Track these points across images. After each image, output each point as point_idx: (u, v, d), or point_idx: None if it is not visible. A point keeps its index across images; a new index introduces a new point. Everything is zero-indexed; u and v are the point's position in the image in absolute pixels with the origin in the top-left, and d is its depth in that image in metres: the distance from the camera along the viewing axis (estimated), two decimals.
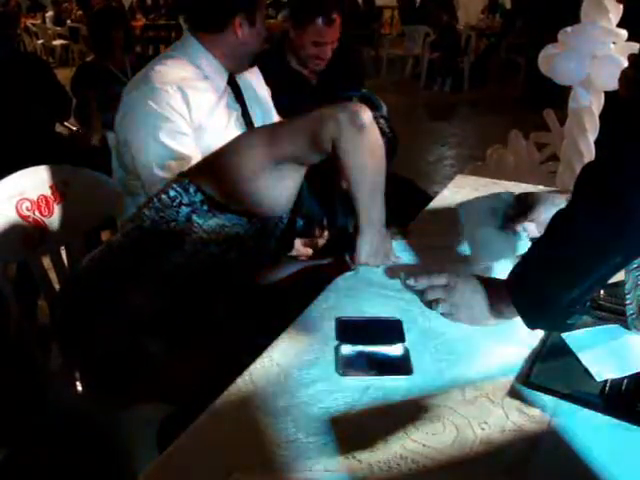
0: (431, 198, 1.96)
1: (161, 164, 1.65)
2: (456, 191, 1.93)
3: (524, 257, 1.06)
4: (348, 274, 1.38)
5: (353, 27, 8.38)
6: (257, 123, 1.93)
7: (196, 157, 1.70)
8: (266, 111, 2.02)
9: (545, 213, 1.35)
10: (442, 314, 1.17)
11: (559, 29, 2.96)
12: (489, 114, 6.93)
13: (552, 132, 3.48)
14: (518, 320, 1.08)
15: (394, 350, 1.10)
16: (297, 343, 1.12)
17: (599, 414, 0.93)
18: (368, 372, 1.05)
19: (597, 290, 1.17)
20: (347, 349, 1.10)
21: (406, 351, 1.10)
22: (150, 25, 11.32)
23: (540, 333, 1.13)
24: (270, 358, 1.08)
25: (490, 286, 1.12)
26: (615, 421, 0.92)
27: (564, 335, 1.11)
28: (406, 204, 1.95)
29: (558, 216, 1.01)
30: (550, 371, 1.03)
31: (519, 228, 1.39)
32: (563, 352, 1.08)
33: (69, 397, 1.34)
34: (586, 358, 1.05)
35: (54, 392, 1.36)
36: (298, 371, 1.04)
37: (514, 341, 1.12)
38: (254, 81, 2.02)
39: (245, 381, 1.02)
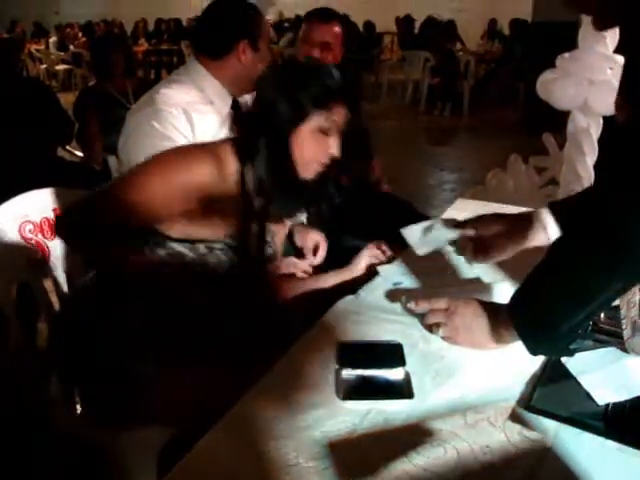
0: None
1: None
2: (456, 214, 1.93)
3: (525, 283, 1.07)
4: (349, 297, 1.38)
5: (354, 52, 8.47)
6: None
7: None
8: None
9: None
10: (443, 338, 1.18)
11: (557, 55, 3.00)
12: (489, 138, 6.97)
13: (551, 156, 3.50)
14: (518, 344, 1.09)
15: (395, 374, 1.09)
16: (298, 366, 1.12)
17: (601, 438, 0.93)
18: (369, 396, 1.04)
19: (598, 315, 1.17)
20: (347, 373, 1.09)
21: (407, 375, 1.09)
22: (152, 50, 11.46)
23: (541, 357, 1.13)
24: (271, 381, 1.07)
25: (491, 310, 1.14)
26: (617, 445, 0.91)
27: (564, 359, 1.10)
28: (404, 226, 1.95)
29: (558, 244, 1.02)
30: (551, 395, 1.03)
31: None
32: (564, 376, 1.08)
33: (68, 419, 1.33)
34: (587, 382, 1.05)
35: (53, 414, 1.35)
36: (299, 395, 1.04)
37: (515, 365, 1.11)
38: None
39: (245, 405, 1.01)
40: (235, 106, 1.89)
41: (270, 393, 1.04)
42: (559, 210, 1.31)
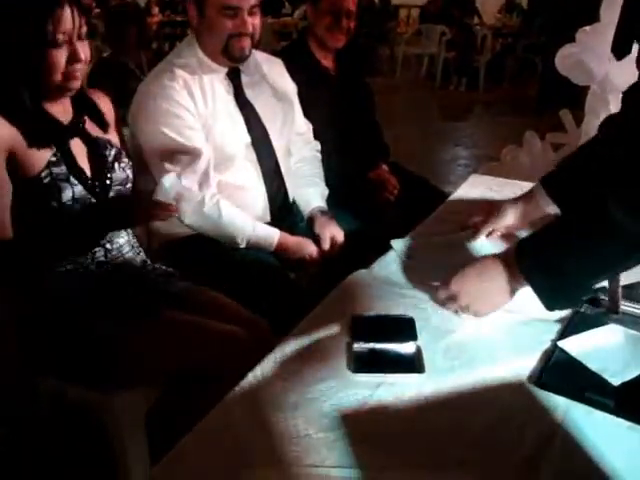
0: (446, 196, 1.96)
1: (170, 158, 1.68)
2: (470, 190, 1.92)
3: (544, 242, 1.06)
4: (361, 271, 1.38)
5: (369, 25, 8.39)
6: (270, 121, 1.91)
7: (206, 151, 1.70)
8: (283, 109, 1.99)
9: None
10: (458, 311, 1.18)
11: (577, 28, 2.93)
12: (504, 114, 6.90)
13: (568, 133, 3.45)
14: (530, 321, 1.09)
15: (406, 348, 1.09)
16: (309, 339, 1.13)
17: (611, 416, 0.93)
18: (380, 370, 1.04)
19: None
20: (359, 346, 1.09)
21: (418, 349, 1.09)
22: (166, 21, 11.37)
23: (552, 334, 1.12)
24: (281, 353, 1.08)
25: (504, 266, 1.11)
26: (628, 423, 0.91)
27: (565, 347, 1.08)
28: (420, 202, 1.95)
29: (590, 206, 1.01)
30: (562, 372, 1.03)
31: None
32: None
33: (55, 386, 1.36)
34: (594, 363, 1.04)
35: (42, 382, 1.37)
36: (309, 367, 1.04)
37: (526, 341, 1.11)
38: (272, 77, 1.98)
39: (256, 376, 1.02)
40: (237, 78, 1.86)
41: (281, 365, 1.05)
42: (553, 186, 1.38)
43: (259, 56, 1.95)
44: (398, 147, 2.82)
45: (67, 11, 1.27)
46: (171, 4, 12.61)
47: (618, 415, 0.92)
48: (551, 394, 0.97)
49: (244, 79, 1.87)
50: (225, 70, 1.82)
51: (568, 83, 3.01)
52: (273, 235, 1.79)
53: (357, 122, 2.36)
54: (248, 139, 1.84)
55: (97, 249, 1.43)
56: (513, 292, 1.11)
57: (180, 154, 1.69)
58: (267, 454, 0.86)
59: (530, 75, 8.31)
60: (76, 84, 1.35)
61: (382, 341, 1.11)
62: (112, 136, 1.52)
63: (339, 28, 2.25)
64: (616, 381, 0.99)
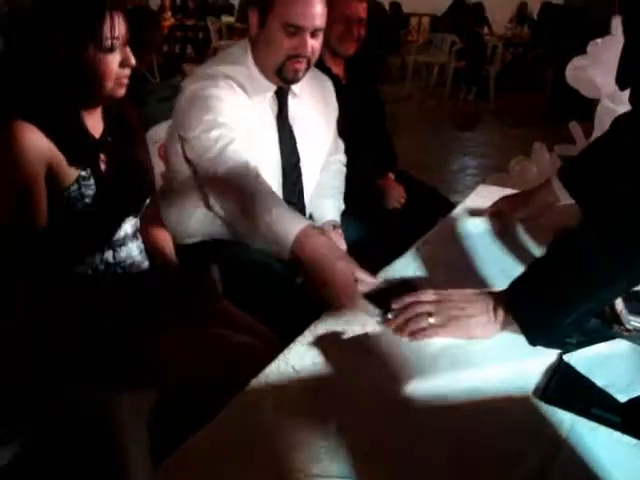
0: (453, 206, 1.96)
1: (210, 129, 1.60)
2: (478, 200, 1.91)
3: (527, 274, 1.07)
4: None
5: (380, 33, 8.39)
6: (306, 147, 1.85)
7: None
8: (323, 134, 1.94)
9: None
10: (427, 329, 1.11)
11: (588, 41, 2.93)
12: (513, 125, 6.90)
13: (577, 145, 3.45)
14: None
15: None
16: (313, 347, 1.12)
17: (617, 432, 0.91)
18: None
19: (597, 311, 1.13)
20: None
21: None
22: (178, 25, 11.43)
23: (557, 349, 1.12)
24: (286, 361, 1.07)
25: (488, 297, 1.11)
26: (635, 441, 0.90)
27: (572, 361, 1.07)
28: (428, 211, 1.95)
29: (568, 239, 1.01)
30: (567, 387, 1.02)
31: None
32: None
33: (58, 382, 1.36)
34: (600, 379, 1.02)
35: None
36: (313, 375, 1.04)
37: (532, 355, 1.10)
38: (319, 99, 1.92)
39: (260, 383, 1.01)
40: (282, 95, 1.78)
41: (285, 372, 1.04)
42: (569, 178, 1.48)
43: (310, 74, 1.81)
44: (407, 156, 2.83)
45: (121, 15, 1.27)
46: (183, 8, 12.70)
47: (625, 432, 0.91)
48: (556, 409, 0.97)
49: (290, 99, 1.81)
50: (274, 88, 1.75)
51: (578, 95, 3.01)
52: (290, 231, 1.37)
53: (367, 130, 2.36)
54: (278, 162, 1.79)
55: (107, 252, 1.43)
56: (496, 323, 1.09)
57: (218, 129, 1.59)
58: (268, 461, 0.85)
59: (540, 86, 8.31)
60: (123, 91, 1.34)
61: None
62: (138, 149, 1.51)
63: (350, 36, 2.24)
64: (622, 397, 0.98)
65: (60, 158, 1.29)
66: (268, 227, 1.38)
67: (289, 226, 1.36)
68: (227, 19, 11.07)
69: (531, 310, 1.04)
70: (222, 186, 1.51)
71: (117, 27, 1.27)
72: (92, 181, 1.34)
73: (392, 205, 2.27)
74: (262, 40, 1.67)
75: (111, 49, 1.28)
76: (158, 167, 2.21)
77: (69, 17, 1.25)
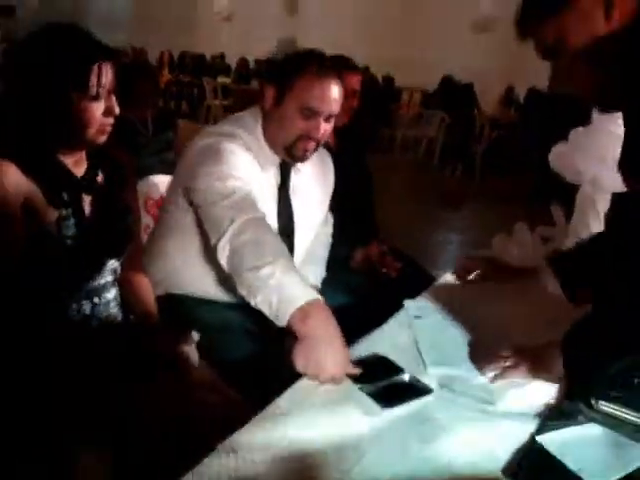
0: (433, 279, 1.97)
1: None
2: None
3: (576, 326, 1.17)
4: None
5: (372, 105, 8.60)
6: (301, 221, 1.87)
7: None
8: (318, 209, 1.97)
9: None
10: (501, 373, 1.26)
11: (570, 127, 3.04)
12: (498, 203, 7.01)
13: (557, 227, 3.51)
14: (509, 413, 1.08)
15: (404, 378, 1.24)
16: (285, 415, 1.11)
17: None
18: (403, 400, 1.16)
19: None
20: (369, 388, 1.19)
21: (412, 376, 1.24)
22: (174, 81, 11.67)
23: (530, 428, 1.11)
24: (256, 427, 1.06)
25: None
26: None
27: (543, 442, 1.07)
28: (407, 283, 1.96)
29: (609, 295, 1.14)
30: (539, 467, 1.01)
31: None
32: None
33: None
34: (572, 463, 1.01)
35: None
36: (283, 444, 1.03)
37: (504, 433, 1.10)
38: (319, 175, 1.95)
39: (226, 448, 1.00)
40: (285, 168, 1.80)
41: (253, 437, 1.03)
42: (558, 266, 1.50)
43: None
44: (390, 226, 2.86)
45: (109, 65, 1.30)
46: (180, 66, 13.00)
47: None
48: None
49: (292, 174, 1.83)
50: (279, 161, 1.77)
51: (560, 179, 3.09)
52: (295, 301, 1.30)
53: (352, 200, 2.40)
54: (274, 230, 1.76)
55: (84, 302, 1.42)
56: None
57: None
58: None
59: (524, 168, 8.51)
60: (104, 138, 1.37)
61: (382, 379, 1.22)
62: (127, 193, 1.53)
63: (344, 106, 2.28)
64: None
65: (39, 196, 1.30)
66: (279, 287, 1.32)
67: (299, 294, 1.30)
68: (223, 79, 11.33)
69: (575, 365, 1.15)
70: (240, 235, 1.43)
71: (104, 76, 1.30)
72: (72, 221, 1.35)
73: (384, 273, 2.27)
74: (276, 117, 1.69)
75: (96, 97, 1.31)
76: (143, 220, 2.22)
77: (58, 62, 1.28)
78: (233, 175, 1.58)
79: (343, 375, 1.22)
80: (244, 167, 1.64)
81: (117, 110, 1.34)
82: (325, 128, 1.70)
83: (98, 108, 1.31)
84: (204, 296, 1.80)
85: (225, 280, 1.69)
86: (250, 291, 1.37)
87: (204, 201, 1.57)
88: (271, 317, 1.33)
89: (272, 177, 1.79)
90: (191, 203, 1.67)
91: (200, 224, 1.65)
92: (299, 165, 1.83)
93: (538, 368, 1.26)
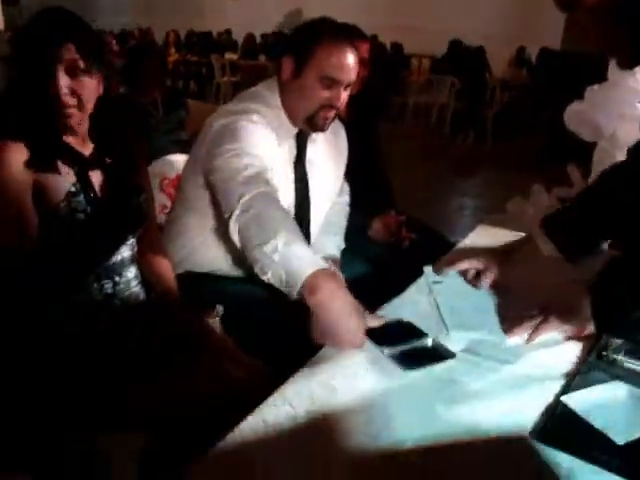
0: (452, 246, 1.97)
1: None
2: (477, 240, 1.93)
3: (608, 267, 1.21)
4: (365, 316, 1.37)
5: (381, 73, 8.51)
6: (317, 192, 1.87)
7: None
8: (333, 180, 1.97)
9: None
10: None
11: (584, 86, 2.99)
12: (511, 167, 6.94)
13: (575, 187, 3.47)
14: (533, 374, 1.08)
15: (427, 343, 1.25)
16: (310, 383, 1.12)
17: (617, 477, 0.91)
18: (424, 364, 1.17)
19: None
20: (391, 351, 1.20)
21: (436, 340, 1.25)
22: (181, 60, 11.61)
23: (555, 388, 1.11)
24: (283, 397, 1.07)
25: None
26: None
27: (568, 403, 1.07)
28: (426, 250, 1.95)
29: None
30: (566, 428, 1.01)
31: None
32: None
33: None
34: (598, 421, 1.02)
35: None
36: (310, 412, 1.03)
37: (529, 395, 1.10)
38: (333, 146, 1.95)
39: (256, 419, 1.01)
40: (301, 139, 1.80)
41: (281, 408, 1.04)
42: (553, 228, 1.48)
43: None
44: (405, 194, 2.85)
45: (68, 46, 1.31)
46: (187, 45, 12.91)
47: (624, 476, 0.91)
48: (554, 450, 0.96)
49: (308, 146, 1.83)
50: (296, 131, 1.77)
51: (575, 139, 3.05)
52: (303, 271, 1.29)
53: (366, 169, 2.38)
54: (291, 204, 1.80)
55: (105, 281, 1.43)
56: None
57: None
58: None
59: (538, 129, 8.40)
60: (68, 121, 1.37)
61: (405, 342, 1.23)
62: (137, 173, 1.54)
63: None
64: (620, 440, 0.98)
65: (47, 175, 1.34)
66: (284, 261, 1.31)
67: (304, 266, 1.29)
68: (230, 56, 11.24)
69: (603, 307, 1.18)
70: (247, 211, 1.44)
71: (61, 56, 1.31)
72: (82, 197, 1.37)
73: (398, 242, 2.27)
74: (296, 87, 1.70)
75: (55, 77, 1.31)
76: (159, 200, 2.23)
77: (32, 45, 1.32)
78: (248, 152, 1.58)
79: (361, 340, 1.22)
80: (261, 144, 1.64)
81: (84, 91, 1.34)
82: (344, 96, 1.71)
83: (58, 87, 1.31)
84: (224, 274, 1.81)
85: (242, 257, 1.66)
86: (260, 268, 1.37)
87: (219, 179, 1.58)
88: (284, 291, 1.33)
89: (288, 151, 1.79)
90: (208, 183, 1.67)
91: (216, 203, 1.65)
92: (314, 136, 1.83)
93: (568, 315, 1.28)
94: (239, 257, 1.76)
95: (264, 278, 1.37)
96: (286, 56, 1.69)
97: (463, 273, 1.55)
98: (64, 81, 1.31)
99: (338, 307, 1.24)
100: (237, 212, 1.43)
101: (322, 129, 1.77)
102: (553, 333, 1.29)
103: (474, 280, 1.52)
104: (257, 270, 1.39)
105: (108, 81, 1.45)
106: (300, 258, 1.31)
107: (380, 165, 2.60)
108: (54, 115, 1.34)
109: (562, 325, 1.29)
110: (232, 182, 1.52)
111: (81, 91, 1.34)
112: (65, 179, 1.36)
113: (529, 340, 1.28)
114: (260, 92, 1.77)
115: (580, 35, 1.11)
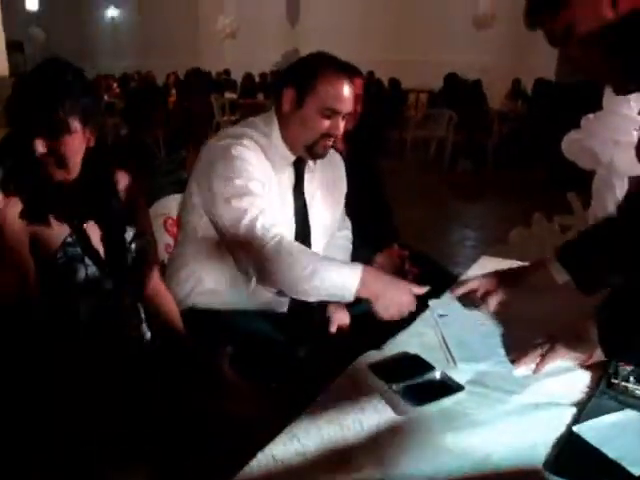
0: (454, 278, 1.96)
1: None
2: (480, 272, 1.92)
3: (612, 291, 1.21)
4: (371, 352, 1.37)
5: (379, 109, 8.61)
6: (316, 219, 1.90)
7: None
8: (331, 210, 1.99)
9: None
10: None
11: (579, 115, 3.03)
12: (512, 197, 6.98)
13: (575, 215, 3.49)
14: (544, 404, 1.07)
15: (435, 376, 1.24)
16: (319, 420, 1.11)
17: None
18: (432, 399, 1.15)
19: None
20: (398, 387, 1.18)
21: (444, 373, 1.24)
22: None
23: (567, 419, 1.11)
24: (292, 434, 1.06)
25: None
26: None
27: (581, 432, 1.06)
28: (430, 284, 1.95)
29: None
30: (578, 458, 1.00)
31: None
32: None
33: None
34: (612, 451, 1.01)
35: None
36: (320, 448, 1.03)
37: (540, 426, 1.09)
38: (331, 176, 1.98)
39: (265, 455, 1.00)
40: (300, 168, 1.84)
41: (290, 447, 1.03)
42: (569, 260, 1.47)
43: None
44: (406, 229, 2.85)
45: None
46: (187, 85, 13.10)
47: None
48: None
49: (305, 174, 1.87)
50: (293, 159, 1.81)
51: (574, 167, 3.08)
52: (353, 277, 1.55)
53: (366, 204, 2.39)
54: (292, 233, 1.81)
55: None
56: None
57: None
58: None
59: (536, 159, 8.46)
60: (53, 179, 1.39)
61: (412, 377, 1.22)
62: (131, 214, 1.54)
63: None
64: (637, 470, 0.97)
65: (43, 228, 1.36)
66: (331, 283, 1.54)
67: (347, 275, 1.55)
68: (230, 95, 11.39)
69: (610, 329, 1.18)
70: (278, 254, 1.57)
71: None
72: (78, 248, 1.39)
73: (406, 277, 2.27)
74: (297, 118, 1.74)
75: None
76: (163, 240, 2.24)
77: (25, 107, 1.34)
78: (249, 190, 1.64)
79: (413, 301, 1.55)
80: (259, 176, 1.68)
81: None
82: (342, 126, 1.78)
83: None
84: (230, 306, 1.80)
85: (249, 285, 1.76)
86: (309, 297, 1.60)
87: (221, 218, 1.66)
88: (338, 300, 1.61)
89: (287, 178, 1.82)
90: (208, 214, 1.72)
91: (217, 229, 1.72)
92: (311, 164, 1.87)
93: (574, 343, 1.28)
94: (244, 285, 1.78)
95: (309, 300, 1.61)
96: (287, 88, 1.75)
97: (470, 293, 1.58)
98: (41, 145, 1.33)
99: (389, 287, 1.56)
100: (261, 258, 1.58)
101: (321, 156, 1.82)
102: (560, 362, 1.28)
103: (480, 300, 1.52)
104: (301, 297, 1.61)
105: (103, 130, 1.48)
106: (342, 272, 1.57)
107: (382, 199, 2.61)
108: (37, 173, 1.37)
109: (569, 353, 1.29)
110: (241, 229, 1.61)
111: (62, 151, 1.35)
112: (60, 231, 1.38)
113: (536, 370, 1.27)
114: (254, 121, 1.84)
115: (573, 66, 1.13)
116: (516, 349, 1.34)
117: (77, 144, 1.37)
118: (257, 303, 1.80)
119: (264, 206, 1.64)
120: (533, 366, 1.28)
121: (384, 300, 1.54)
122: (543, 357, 1.28)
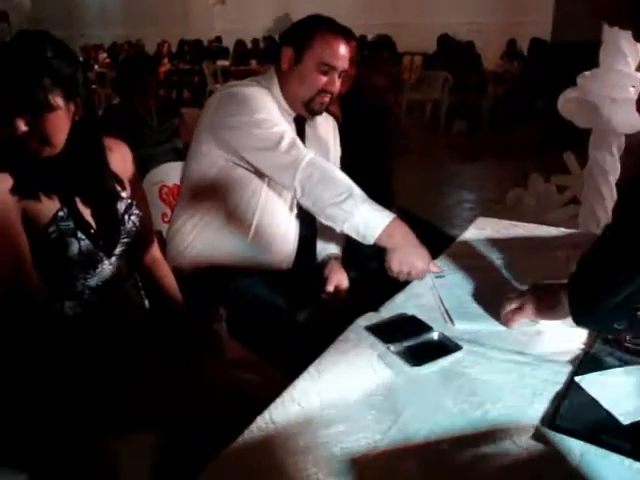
0: (452, 239, 1.96)
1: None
2: (477, 233, 1.93)
3: (581, 259, 1.16)
4: (369, 314, 1.38)
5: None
6: None
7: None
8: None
9: None
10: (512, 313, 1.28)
11: (575, 73, 2.99)
12: (508, 158, 6.95)
13: (572, 175, 3.48)
14: (541, 362, 1.08)
15: (433, 337, 1.25)
16: (318, 382, 1.12)
17: (628, 459, 0.91)
18: (432, 358, 1.16)
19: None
20: (397, 347, 1.20)
21: (442, 334, 1.25)
22: (174, 70, 11.62)
23: (563, 375, 1.11)
24: (291, 397, 1.07)
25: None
26: None
27: (582, 383, 1.08)
28: (427, 246, 1.95)
29: (608, 229, 1.12)
30: (576, 414, 1.01)
31: None
32: (588, 395, 1.06)
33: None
34: (607, 402, 1.03)
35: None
36: (319, 411, 1.03)
37: (538, 383, 1.10)
38: (326, 135, 2.04)
39: (265, 420, 1.01)
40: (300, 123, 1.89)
41: (290, 408, 1.04)
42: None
43: None
44: (403, 192, 2.84)
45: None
46: (179, 54, 12.93)
47: (635, 458, 0.91)
48: (566, 437, 0.96)
49: (307, 128, 1.93)
50: (294, 115, 1.87)
51: (570, 126, 3.05)
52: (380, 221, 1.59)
53: (364, 168, 2.38)
54: None
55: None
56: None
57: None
58: None
59: (533, 119, 8.40)
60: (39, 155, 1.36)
61: (410, 337, 1.23)
62: (125, 186, 1.53)
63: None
64: (625, 420, 0.98)
65: (33, 203, 1.34)
66: (362, 216, 1.58)
67: (379, 217, 1.59)
68: (222, 63, 11.25)
69: (577, 292, 1.15)
70: (312, 175, 1.64)
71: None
72: (71, 222, 1.37)
73: None
74: (295, 74, 1.81)
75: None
76: (159, 209, 2.23)
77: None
78: (270, 120, 1.72)
79: (429, 269, 1.55)
80: (273, 110, 1.77)
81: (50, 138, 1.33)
82: (338, 83, 1.84)
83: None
84: (230, 258, 1.82)
85: (249, 233, 1.82)
86: (335, 222, 1.62)
87: (254, 152, 1.72)
88: (358, 239, 1.61)
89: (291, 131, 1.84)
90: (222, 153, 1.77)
91: (228, 177, 1.78)
92: (309, 122, 1.94)
93: (543, 308, 1.27)
94: (238, 242, 1.82)
95: (337, 228, 1.63)
96: (285, 47, 1.81)
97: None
98: (22, 123, 1.29)
99: (412, 245, 1.57)
100: (300, 177, 1.62)
101: (318, 113, 1.89)
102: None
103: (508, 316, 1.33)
104: (330, 223, 1.64)
105: (91, 101, 1.45)
106: (375, 212, 1.60)
107: (382, 164, 2.60)
108: (22, 149, 1.34)
109: (535, 316, 1.28)
110: (276, 153, 1.67)
111: (45, 127, 1.31)
112: (51, 206, 1.36)
113: (506, 325, 1.29)
114: (257, 78, 1.90)
115: (593, 12, 1.11)
116: (498, 305, 1.33)
117: (60, 120, 1.33)
118: (257, 260, 1.83)
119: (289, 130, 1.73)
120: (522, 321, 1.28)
121: (400, 254, 1.55)
122: (512, 313, 1.29)
